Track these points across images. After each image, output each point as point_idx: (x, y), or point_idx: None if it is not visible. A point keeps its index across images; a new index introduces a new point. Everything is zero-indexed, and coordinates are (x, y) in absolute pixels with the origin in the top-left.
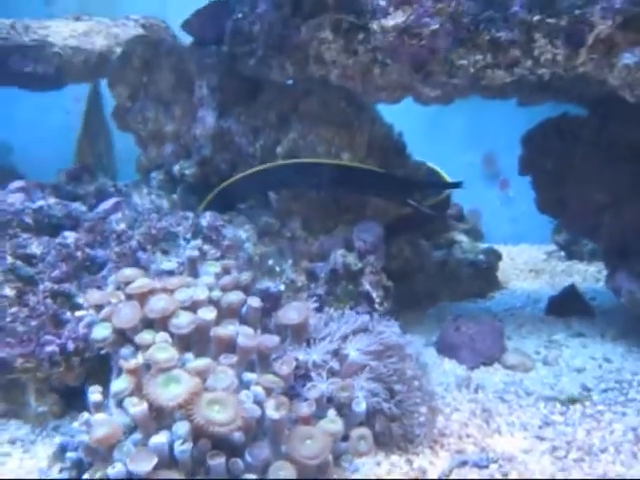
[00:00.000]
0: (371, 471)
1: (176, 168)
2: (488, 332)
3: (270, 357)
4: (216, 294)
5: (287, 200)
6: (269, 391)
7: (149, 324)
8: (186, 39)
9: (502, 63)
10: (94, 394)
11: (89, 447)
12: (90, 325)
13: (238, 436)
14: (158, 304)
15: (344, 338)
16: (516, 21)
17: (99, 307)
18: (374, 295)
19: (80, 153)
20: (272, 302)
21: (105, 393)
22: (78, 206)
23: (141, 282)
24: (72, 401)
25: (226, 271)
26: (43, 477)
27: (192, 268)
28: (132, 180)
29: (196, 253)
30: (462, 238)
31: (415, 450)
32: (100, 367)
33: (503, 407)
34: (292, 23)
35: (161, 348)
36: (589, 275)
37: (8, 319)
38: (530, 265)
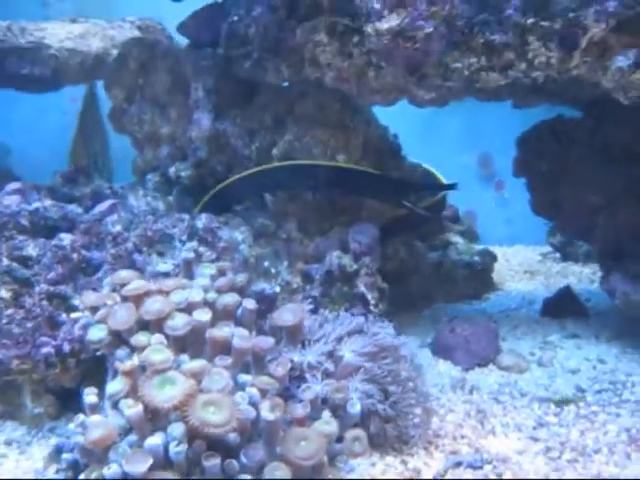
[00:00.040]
0: (366, 472)
1: (172, 170)
2: (483, 333)
3: (265, 359)
4: (211, 296)
5: (283, 202)
6: (264, 392)
7: (145, 326)
8: (183, 41)
9: (496, 66)
10: (90, 396)
11: (85, 448)
12: (86, 327)
13: (233, 437)
14: (154, 306)
15: (339, 340)
16: (510, 24)
17: (95, 309)
18: (369, 297)
19: (74, 154)
20: (267, 304)
21: (101, 395)
22: (74, 208)
23: (137, 284)
24: (68, 402)
25: (221, 273)
26: (39, 478)
27: (188, 270)
28: (128, 182)
29: (192, 255)
30: (457, 239)
31: (410, 451)
32: (96, 369)
33: (498, 408)
34: (287, 26)
35: (156, 350)
36: (584, 276)
37: (4, 321)
38: (525, 266)
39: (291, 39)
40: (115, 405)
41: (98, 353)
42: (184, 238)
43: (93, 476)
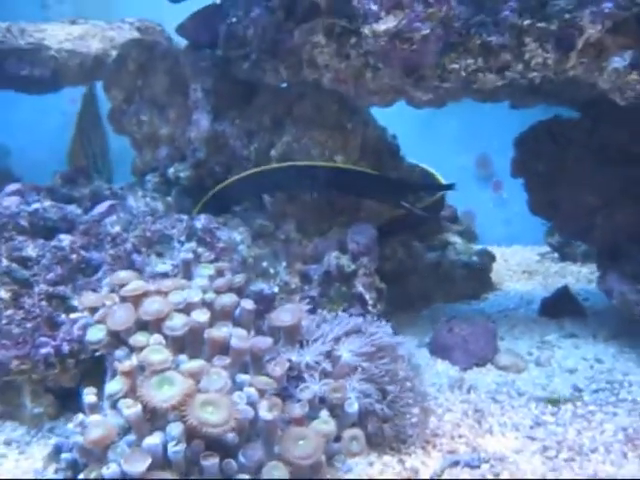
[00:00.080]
0: (364, 471)
1: (171, 171)
2: (481, 333)
3: (263, 359)
4: (210, 296)
5: (281, 203)
6: (262, 392)
7: (143, 326)
8: (182, 42)
9: (493, 67)
10: (89, 395)
11: (84, 448)
12: (85, 327)
13: (231, 437)
14: (152, 306)
15: (337, 340)
16: (507, 25)
17: (94, 309)
18: (367, 297)
19: (72, 154)
20: (266, 304)
21: (100, 394)
22: (73, 209)
23: (135, 284)
24: (67, 402)
25: (220, 273)
26: (39, 478)
27: (186, 270)
28: (127, 182)
29: (190, 256)
30: (456, 240)
31: (407, 450)
32: (95, 369)
33: (495, 407)
34: (285, 27)
35: (155, 350)
36: (582, 276)
37: (4, 321)
38: (523, 266)
39: (289, 40)
40: (114, 405)
41: (97, 353)
42: (183, 239)
43: (92, 476)
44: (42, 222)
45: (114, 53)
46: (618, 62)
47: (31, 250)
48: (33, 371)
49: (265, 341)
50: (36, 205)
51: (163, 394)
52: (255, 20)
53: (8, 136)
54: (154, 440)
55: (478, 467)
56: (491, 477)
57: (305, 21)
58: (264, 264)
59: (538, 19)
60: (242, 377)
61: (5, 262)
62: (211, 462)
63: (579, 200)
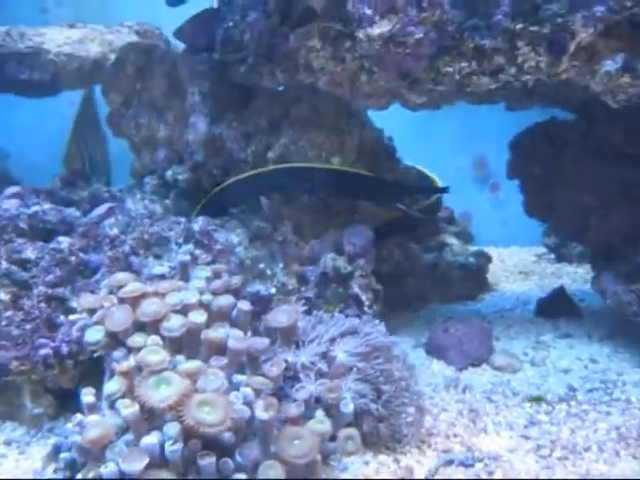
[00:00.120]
0: (359, 470)
1: (169, 173)
2: (476, 334)
3: (260, 359)
4: (207, 298)
5: (278, 204)
6: (258, 392)
7: (141, 327)
8: (180, 45)
9: (487, 70)
10: (87, 396)
11: (82, 447)
12: (83, 328)
13: (228, 436)
14: (150, 308)
15: (332, 340)
16: (499, 29)
17: (92, 311)
18: (363, 298)
19: (68, 157)
20: (263, 305)
21: (98, 395)
22: (72, 211)
23: (133, 286)
24: (66, 403)
25: (217, 275)
26: (38, 477)
27: (183, 272)
28: (126, 185)
29: (187, 257)
30: (453, 241)
31: (403, 449)
32: (93, 369)
33: (490, 407)
34: (281, 32)
35: (153, 351)
36: (578, 277)
37: (3, 323)
38: (520, 267)
39: (285, 44)
40: (112, 405)
41: (95, 354)
42: (180, 241)
43: (90, 475)
44: (41, 224)
45: (113, 57)
46: (610, 65)
47: (30, 252)
48: (32, 372)
49: (262, 342)
50: (35, 208)
51: (160, 394)
52: (251, 24)
53: (7, 139)
54: (151, 440)
55: (472, 466)
56: (485, 476)
57: (301, 25)
58: (261, 266)
59: (531, 23)
60: (239, 377)
61: (4, 264)
62: (208, 461)
63: (575, 201)
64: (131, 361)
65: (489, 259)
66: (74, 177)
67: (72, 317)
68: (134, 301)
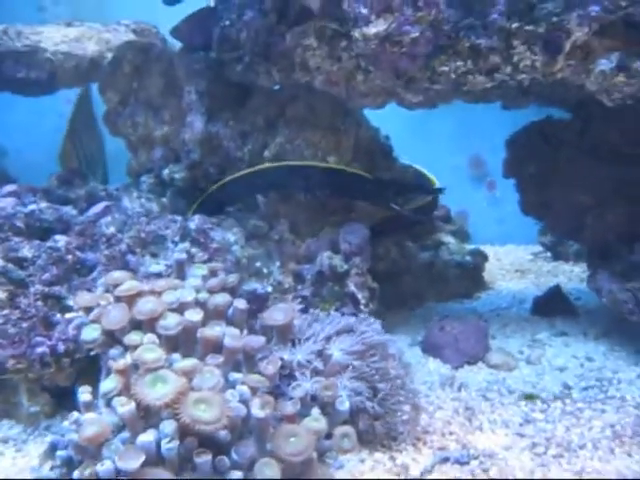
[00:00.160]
0: (355, 468)
1: (166, 172)
2: (472, 332)
3: (256, 357)
4: (203, 296)
5: (275, 203)
6: (254, 390)
7: (137, 325)
8: (176, 44)
9: (482, 69)
10: (84, 394)
11: (79, 445)
12: (80, 327)
13: (224, 434)
14: (146, 306)
15: (328, 339)
16: (495, 28)
17: (89, 309)
18: (359, 296)
19: (64, 156)
20: (259, 303)
21: (94, 393)
22: (69, 210)
23: (129, 285)
24: (63, 401)
25: (213, 273)
26: (35, 475)
27: (180, 271)
28: (123, 183)
29: (184, 256)
30: (449, 239)
31: (398, 447)
32: (90, 367)
33: (486, 405)
34: (277, 30)
35: (149, 349)
36: (574, 275)
37: (0, 321)
38: (516, 265)
39: (281, 43)
40: (108, 403)
41: (92, 352)
42: (177, 239)
43: (87, 472)
44: (38, 223)
45: (110, 55)
46: (605, 64)
47: (27, 251)
48: (29, 370)
49: (258, 340)
50: (32, 206)
51: (156, 392)
52: (248, 23)
53: (4, 137)
54: (148, 437)
55: (467, 463)
56: (480, 473)
57: (297, 24)
58: (257, 264)
59: (526, 22)
60: (235, 375)
61: (1, 262)
62: (204, 459)
63: (571, 200)
64: (127, 359)
65: (485, 257)
66: (71, 176)
67: (69, 315)
68: (130, 299)
